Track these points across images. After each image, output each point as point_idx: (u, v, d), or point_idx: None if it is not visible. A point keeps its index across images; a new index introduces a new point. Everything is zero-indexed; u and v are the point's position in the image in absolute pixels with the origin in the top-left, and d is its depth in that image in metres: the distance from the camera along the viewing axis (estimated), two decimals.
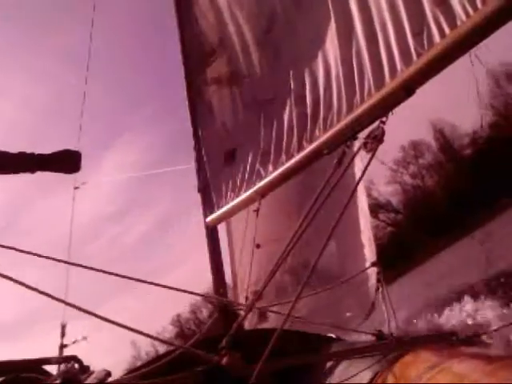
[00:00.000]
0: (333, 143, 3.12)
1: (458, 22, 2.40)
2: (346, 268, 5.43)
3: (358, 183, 3.40)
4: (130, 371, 3.94)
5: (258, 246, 4.15)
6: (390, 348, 3.28)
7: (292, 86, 3.79)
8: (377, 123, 2.80)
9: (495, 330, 4.28)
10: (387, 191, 51.15)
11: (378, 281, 4.99)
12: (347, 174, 4.04)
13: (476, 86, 2.83)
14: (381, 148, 2.78)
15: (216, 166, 4.50)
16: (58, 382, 3.36)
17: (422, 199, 48.17)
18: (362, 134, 2.94)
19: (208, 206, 4.52)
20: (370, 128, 2.85)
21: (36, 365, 3.66)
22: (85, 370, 3.51)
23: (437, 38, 2.50)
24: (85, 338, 4.09)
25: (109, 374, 3.40)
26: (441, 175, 47.99)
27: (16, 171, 4.24)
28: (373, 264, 5.26)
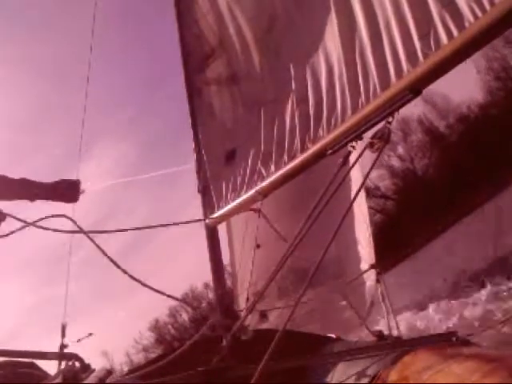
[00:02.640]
0: (337, 143, 3.13)
1: (466, 24, 2.42)
2: (345, 268, 5.44)
3: (362, 184, 3.41)
4: (131, 371, 3.93)
5: (258, 246, 4.15)
6: (390, 348, 3.28)
7: (293, 86, 3.79)
8: (382, 123, 2.81)
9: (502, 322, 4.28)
10: (375, 176, 46.46)
11: (378, 281, 5.00)
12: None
13: None
14: None
15: (216, 167, 4.49)
16: (58, 380, 3.35)
17: (412, 182, 45.16)
18: (367, 134, 2.95)
19: (208, 207, 4.50)
20: (376, 128, 2.86)
21: (34, 358, 3.64)
22: (85, 368, 3.48)
23: (444, 39, 2.52)
24: (91, 334, 4.08)
25: (110, 372, 3.39)
26: (433, 154, 44.99)
27: (16, 199, 4.23)
28: (372, 266, 5.28)
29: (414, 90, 2.67)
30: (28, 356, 3.58)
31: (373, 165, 2.84)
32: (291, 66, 3.88)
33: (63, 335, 4.04)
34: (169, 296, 3.87)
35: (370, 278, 5.34)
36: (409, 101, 2.69)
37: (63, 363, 3.59)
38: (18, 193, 4.21)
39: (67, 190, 4.47)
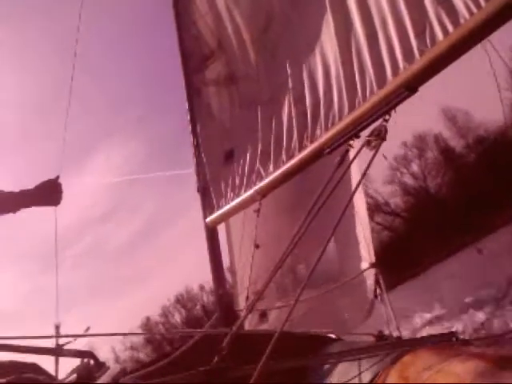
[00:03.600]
0: (335, 142, 3.13)
1: (462, 20, 2.42)
2: (344, 268, 5.42)
3: (359, 183, 3.41)
4: (131, 371, 3.93)
5: (257, 246, 4.13)
6: (390, 348, 3.27)
7: (290, 86, 3.79)
8: (379, 121, 2.81)
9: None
10: (385, 191, 46.46)
11: (377, 282, 4.98)
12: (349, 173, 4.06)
13: (490, 64, 2.80)
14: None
15: (215, 167, 4.50)
16: (73, 379, 3.35)
17: (425, 201, 43.49)
18: (364, 132, 2.95)
19: (208, 207, 4.51)
20: (373, 126, 2.85)
21: (48, 354, 3.61)
22: (100, 366, 3.47)
23: (440, 36, 2.52)
24: (88, 329, 4.06)
25: (124, 371, 3.37)
26: (447, 173, 43.16)
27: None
28: (371, 265, 5.26)
29: (410, 87, 2.67)
30: (43, 352, 3.55)
31: (370, 162, 2.82)
32: (288, 66, 3.88)
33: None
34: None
35: (369, 277, 5.32)
36: (405, 98, 2.70)
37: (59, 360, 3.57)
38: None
39: (48, 194, 4.43)
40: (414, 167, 46.57)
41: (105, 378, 3.29)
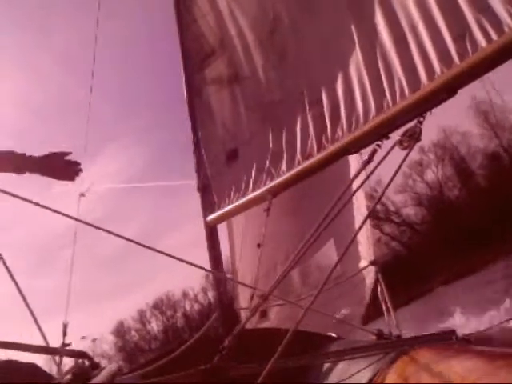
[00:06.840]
0: (362, 143, 3.19)
1: (506, 29, 2.52)
2: (345, 267, 5.47)
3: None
4: (131, 370, 3.85)
5: (258, 246, 4.14)
6: (390, 347, 3.33)
7: (304, 88, 3.83)
8: (413, 122, 2.88)
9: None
10: (397, 200, 43.12)
11: (377, 280, 5.05)
12: (345, 172, 4.11)
13: None
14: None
15: (216, 165, 4.48)
16: (69, 377, 3.24)
17: (441, 212, 39.63)
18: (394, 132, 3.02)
19: (208, 205, 4.48)
20: (406, 126, 2.92)
21: (43, 353, 3.51)
22: (94, 367, 3.39)
23: (482, 42, 2.61)
24: (94, 341, 3.95)
25: (120, 369, 3.30)
26: (472, 182, 39.08)
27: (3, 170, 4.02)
28: (371, 263, 5.34)
29: (450, 89, 2.76)
30: (37, 351, 3.43)
31: (401, 163, 2.89)
32: (299, 67, 3.93)
33: (64, 334, 3.91)
34: None
35: (369, 275, 5.40)
36: (443, 101, 2.78)
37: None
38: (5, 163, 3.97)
39: (61, 167, 4.19)
40: (430, 174, 43.17)
41: (101, 377, 3.22)
